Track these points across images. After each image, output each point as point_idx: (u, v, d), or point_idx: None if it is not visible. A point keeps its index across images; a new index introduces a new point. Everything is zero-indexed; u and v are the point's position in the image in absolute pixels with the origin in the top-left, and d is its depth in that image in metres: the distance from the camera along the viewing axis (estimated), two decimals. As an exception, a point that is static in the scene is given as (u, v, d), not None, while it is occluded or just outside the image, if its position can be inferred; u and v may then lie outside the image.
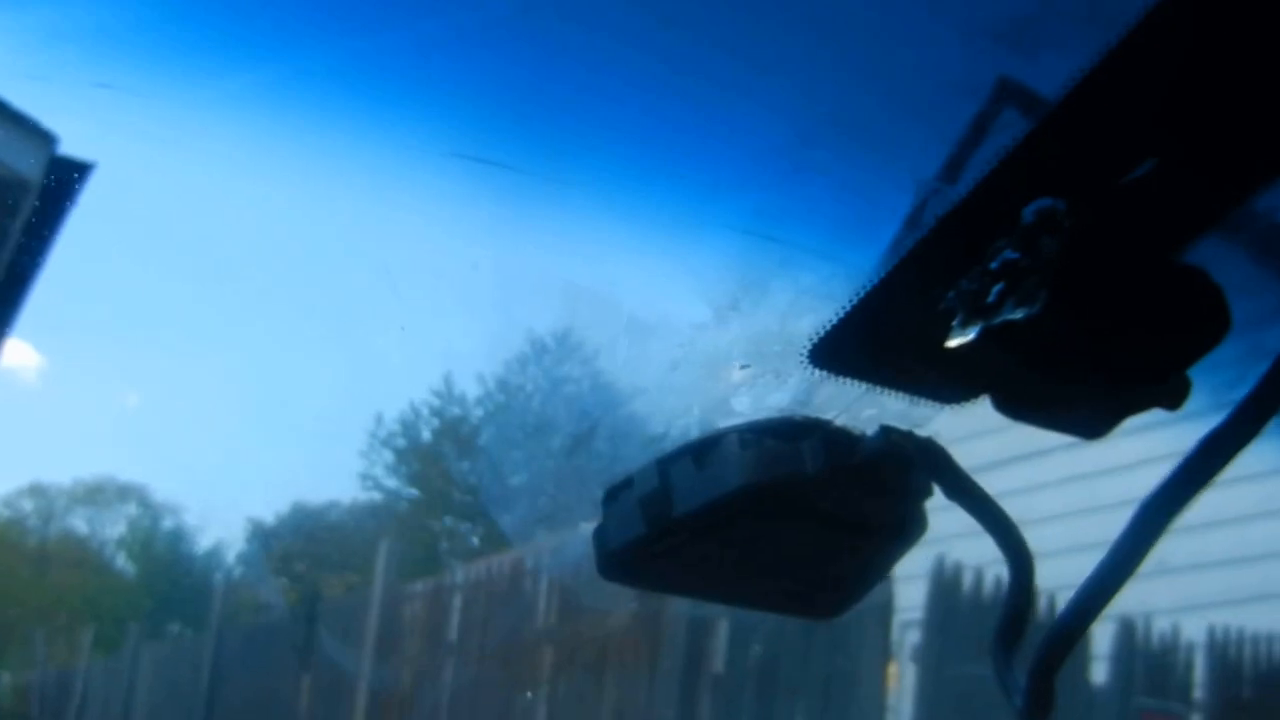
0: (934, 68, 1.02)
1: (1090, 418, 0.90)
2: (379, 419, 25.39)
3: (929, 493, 0.92)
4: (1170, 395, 0.86)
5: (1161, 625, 7.89)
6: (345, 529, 25.12)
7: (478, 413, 24.70)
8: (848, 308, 0.87)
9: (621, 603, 7.40)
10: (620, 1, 1.10)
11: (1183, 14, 0.68)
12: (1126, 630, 7.79)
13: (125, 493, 32.45)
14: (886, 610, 7.49)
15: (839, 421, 0.90)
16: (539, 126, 1.21)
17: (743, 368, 0.99)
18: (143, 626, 19.88)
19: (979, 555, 7.76)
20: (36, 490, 33.07)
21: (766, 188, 1.09)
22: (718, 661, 7.66)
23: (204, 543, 31.17)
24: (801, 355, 0.91)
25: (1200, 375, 0.86)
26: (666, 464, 0.89)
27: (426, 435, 25.50)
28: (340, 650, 10.79)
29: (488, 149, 1.19)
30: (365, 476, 25.53)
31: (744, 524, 0.89)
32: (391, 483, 25.59)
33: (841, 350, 0.90)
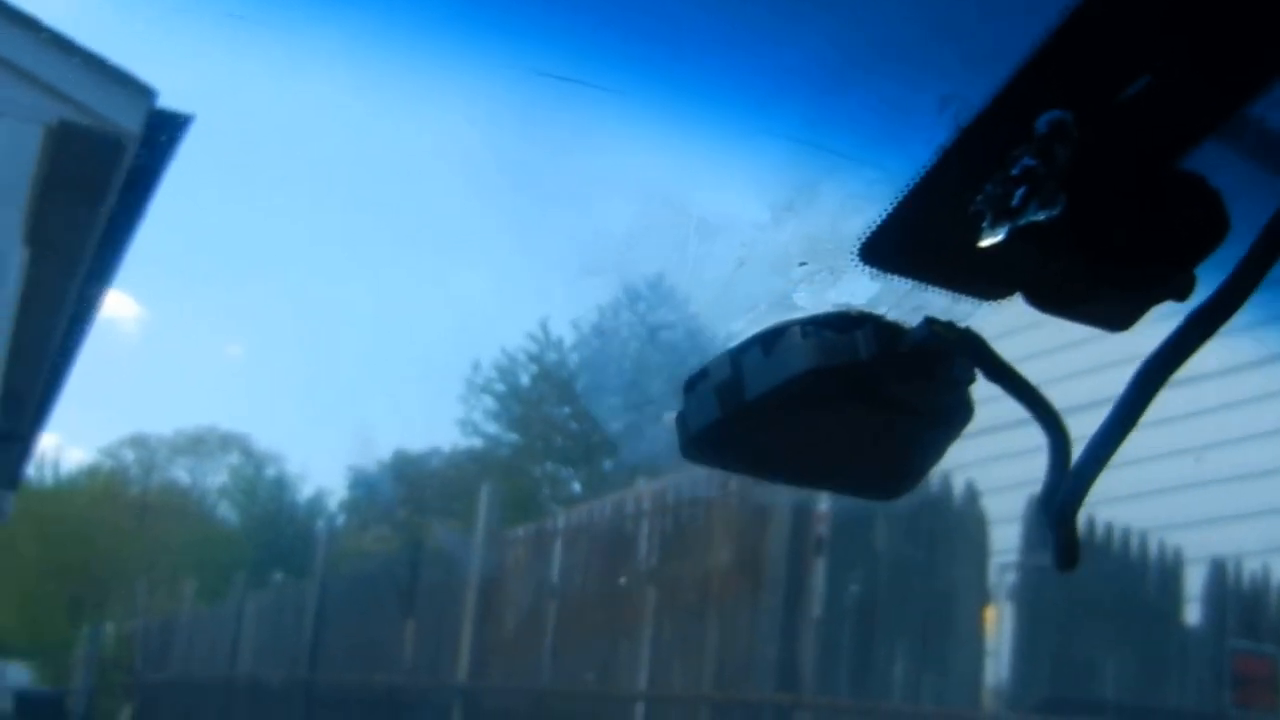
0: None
1: (1114, 310, 0.99)
2: (476, 365, 25.61)
3: (972, 378, 1.02)
4: (1178, 288, 0.95)
5: (1253, 567, 7.99)
6: (446, 476, 25.34)
7: (574, 358, 24.78)
8: (889, 210, 0.97)
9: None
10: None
11: None
12: (1218, 572, 7.93)
13: (227, 442, 32.84)
14: (982, 552, 7.68)
15: (889, 315, 1.00)
16: (622, 47, 1.43)
17: (801, 265, 1.08)
18: (246, 575, 20.29)
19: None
20: (138, 441, 33.63)
21: (813, 101, 1.31)
22: (816, 603, 7.83)
23: (306, 491, 31.59)
24: (852, 253, 1.01)
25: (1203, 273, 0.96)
26: (738, 354, 1.00)
27: (525, 381, 25.67)
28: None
29: (573, 69, 1.41)
30: (465, 422, 25.70)
31: (807, 406, 0.99)
32: (492, 429, 25.85)
33: (886, 248, 1.00)
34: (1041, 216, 0.89)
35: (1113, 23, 0.86)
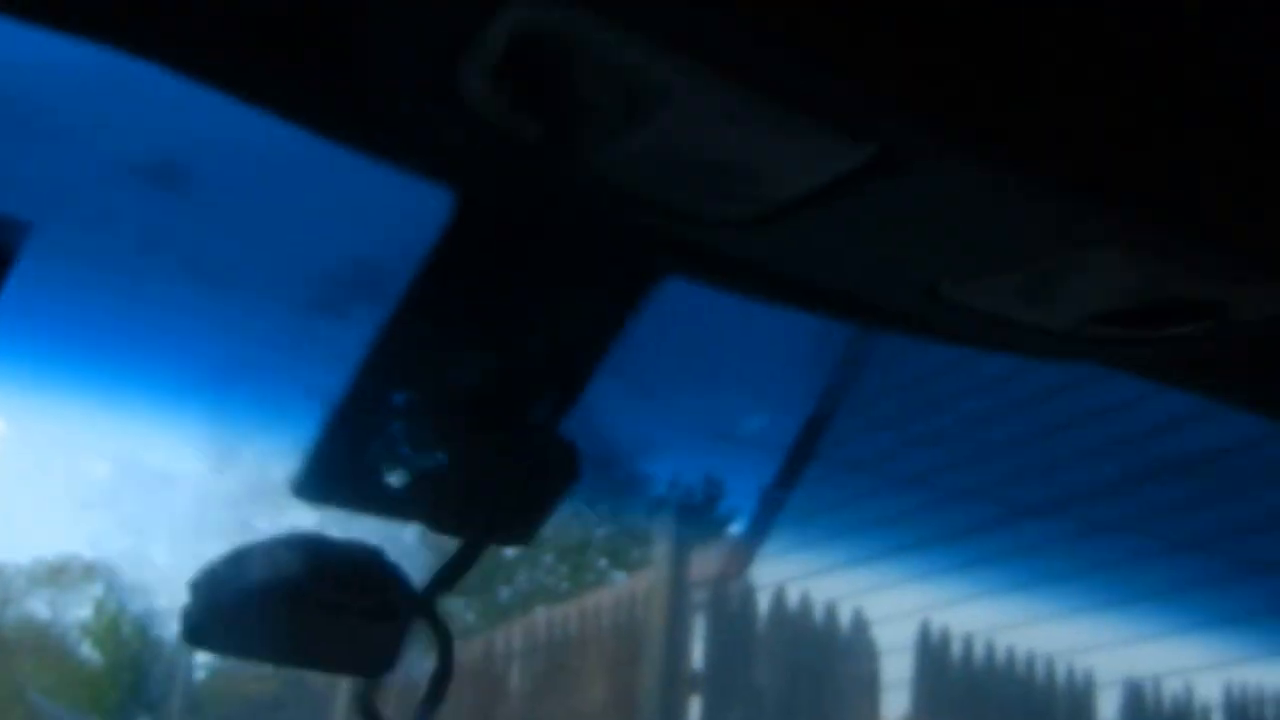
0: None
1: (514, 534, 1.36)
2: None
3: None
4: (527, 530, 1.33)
5: (1174, 688, 8.03)
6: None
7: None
8: (302, 463, 1.31)
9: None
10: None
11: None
12: (1134, 697, 8.00)
13: (91, 572, 32.40)
14: (873, 684, 7.81)
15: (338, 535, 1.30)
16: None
17: (249, 502, 1.47)
18: None
19: (966, 624, 8.08)
20: (-10, 572, 33.44)
21: (213, 395, 1.91)
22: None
23: (176, 627, 31.31)
24: (288, 494, 1.32)
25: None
26: (217, 567, 1.28)
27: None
28: None
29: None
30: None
31: (276, 609, 1.27)
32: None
33: (311, 488, 1.31)
34: (432, 463, 1.25)
35: (412, 347, 1.24)
